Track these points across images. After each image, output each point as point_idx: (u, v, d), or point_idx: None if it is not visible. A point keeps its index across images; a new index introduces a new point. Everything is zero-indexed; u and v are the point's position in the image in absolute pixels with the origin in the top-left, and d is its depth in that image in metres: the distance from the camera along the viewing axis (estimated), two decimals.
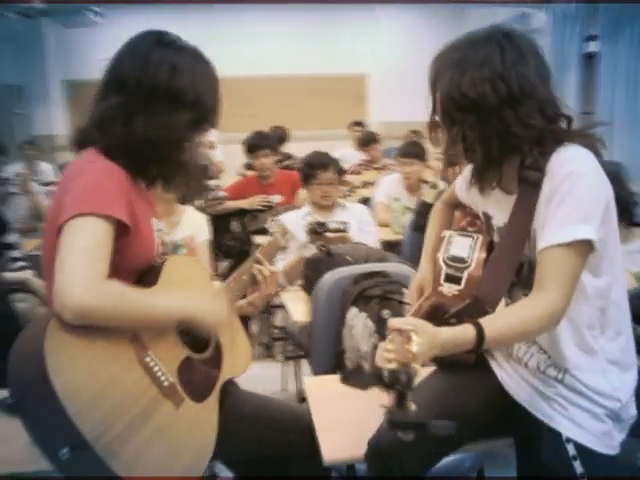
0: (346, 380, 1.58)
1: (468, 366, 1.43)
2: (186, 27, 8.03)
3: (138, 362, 1.15)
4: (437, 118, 1.34)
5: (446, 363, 1.46)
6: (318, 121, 8.54)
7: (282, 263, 2.81)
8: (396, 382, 0.99)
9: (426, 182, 3.41)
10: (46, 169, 4.86)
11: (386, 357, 1.03)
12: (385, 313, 1.94)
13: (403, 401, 0.98)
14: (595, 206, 1.22)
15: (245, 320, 3.55)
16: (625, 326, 1.34)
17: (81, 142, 1.29)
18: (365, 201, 4.09)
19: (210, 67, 1.35)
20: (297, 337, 2.68)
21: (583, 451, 1.27)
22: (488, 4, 7.59)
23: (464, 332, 1.18)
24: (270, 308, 3.38)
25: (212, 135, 4.99)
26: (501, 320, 1.23)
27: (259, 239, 3.12)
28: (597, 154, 1.28)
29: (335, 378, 1.65)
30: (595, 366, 1.30)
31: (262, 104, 8.48)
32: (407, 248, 3.30)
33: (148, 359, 1.17)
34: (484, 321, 1.19)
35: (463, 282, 1.39)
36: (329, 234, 2.69)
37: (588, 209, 1.21)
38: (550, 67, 1.32)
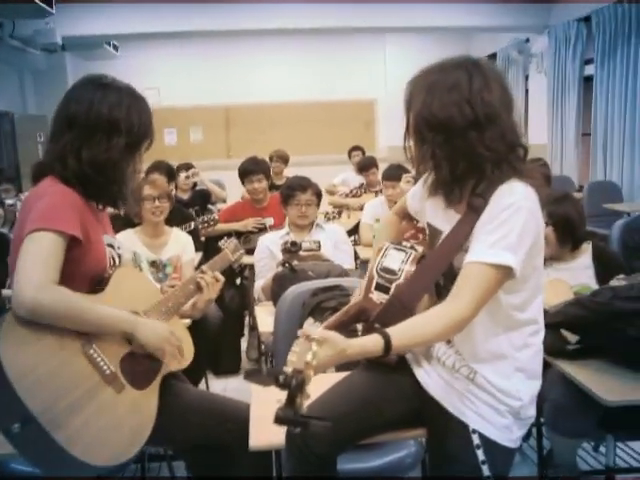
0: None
1: (390, 366, 1.59)
2: (196, 57, 8.45)
3: (82, 353, 1.38)
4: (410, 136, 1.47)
5: (371, 363, 1.62)
6: (328, 146, 8.72)
7: (262, 281, 3.02)
8: (288, 385, 1.11)
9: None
10: None
11: (288, 359, 1.18)
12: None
13: (293, 401, 1.10)
14: (524, 239, 1.35)
15: (237, 337, 3.74)
16: (534, 340, 1.48)
17: (42, 173, 1.53)
18: None
19: (143, 101, 1.60)
20: (270, 348, 2.87)
21: (486, 441, 1.43)
22: (491, 31, 7.80)
23: (373, 343, 1.29)
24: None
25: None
26: (408, 329, 1.35)
27: (250, 259, 3.30)
28: (540, 189, 1.40)
29: None
30: (503, 369, 1.45)
31: (274, 130, 8.68)
32: None
33: (91, 351, 1.39)
34: (392, 331, 1.31)
35: (391, 292, 1.52)
36: (302, 253, 2.88)
37: (517, 240, 1.33)
38: (513, 97, 1.44)
